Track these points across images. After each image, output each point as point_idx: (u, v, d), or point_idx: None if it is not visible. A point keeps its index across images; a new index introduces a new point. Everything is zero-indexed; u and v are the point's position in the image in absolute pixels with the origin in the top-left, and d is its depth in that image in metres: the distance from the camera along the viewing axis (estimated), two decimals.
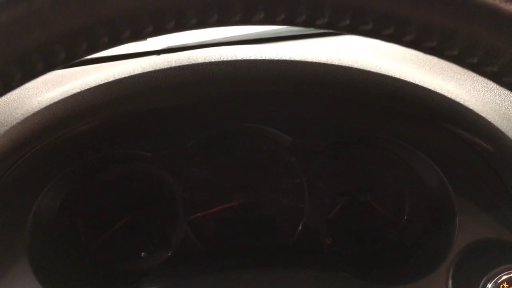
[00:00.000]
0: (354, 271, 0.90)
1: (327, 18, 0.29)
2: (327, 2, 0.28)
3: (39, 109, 0.70)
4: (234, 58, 0.70)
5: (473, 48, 0.29)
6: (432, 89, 0.69)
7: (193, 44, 1.10)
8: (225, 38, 1.11)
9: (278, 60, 0.69)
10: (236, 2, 0.28)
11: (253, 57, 0.70)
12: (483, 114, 0.71)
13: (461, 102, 0.70)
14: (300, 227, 1.07)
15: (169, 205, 1.07)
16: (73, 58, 0.29)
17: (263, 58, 0.69)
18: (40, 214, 0.90)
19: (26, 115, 0.70)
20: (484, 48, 0.29)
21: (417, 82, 0.70)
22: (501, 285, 0.79)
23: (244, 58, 0.70)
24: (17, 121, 0.70)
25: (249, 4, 0.28)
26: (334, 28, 0.30)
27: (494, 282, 0.79)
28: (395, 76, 0.69)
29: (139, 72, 0.69)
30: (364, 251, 1.07)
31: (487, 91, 0.76)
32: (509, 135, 0.70)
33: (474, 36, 0.29)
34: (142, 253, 1.02)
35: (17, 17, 0.26)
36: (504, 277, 0.79)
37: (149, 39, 0.96)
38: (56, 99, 0.70)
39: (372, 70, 0.69)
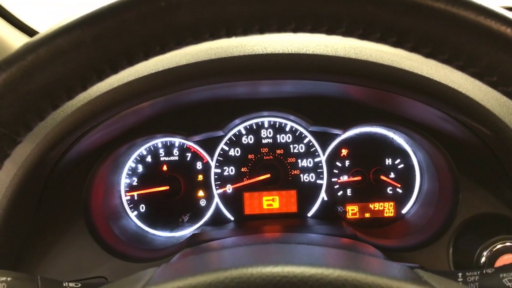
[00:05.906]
0: (364, 240, 1.01)
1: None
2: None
3: (97, 94, 0.83)
4: (263, 51, 0.81)
5: (458, 54, 0.40)
6: (438, 80, 0.79)
7: None
8: None
9: (303, 54, 0.79)
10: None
11: (280, 51, 0.80)
12: (484, 102, 0.80)
13: (463, 91, 0.79)
14: (319, 201, 1.19)
15: (203, 179, 1.21)
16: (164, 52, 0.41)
17: (290, 52, 0.80)
18: (94, 182, 1.04)
19: (88, 99, 0.83)
20: (466, 54, 0.40)
21: (424, 74, 0.79)
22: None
23: (272, 52, 0.80)
24: (81, 103, 0.83)
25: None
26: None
27: (489, 250, 0.89)
28: (405, 69, 0.79)
29: (183, 63, 0.81)
30: (374, 223, 1.19)
31: None
32: (506, 121, 0.79)
33: (458, 45, 0.40)
34: (180, 219, 1.15)
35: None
36: (498, 246, 0.89)
37: None
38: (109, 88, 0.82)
39: (385, 63, 0.79)
